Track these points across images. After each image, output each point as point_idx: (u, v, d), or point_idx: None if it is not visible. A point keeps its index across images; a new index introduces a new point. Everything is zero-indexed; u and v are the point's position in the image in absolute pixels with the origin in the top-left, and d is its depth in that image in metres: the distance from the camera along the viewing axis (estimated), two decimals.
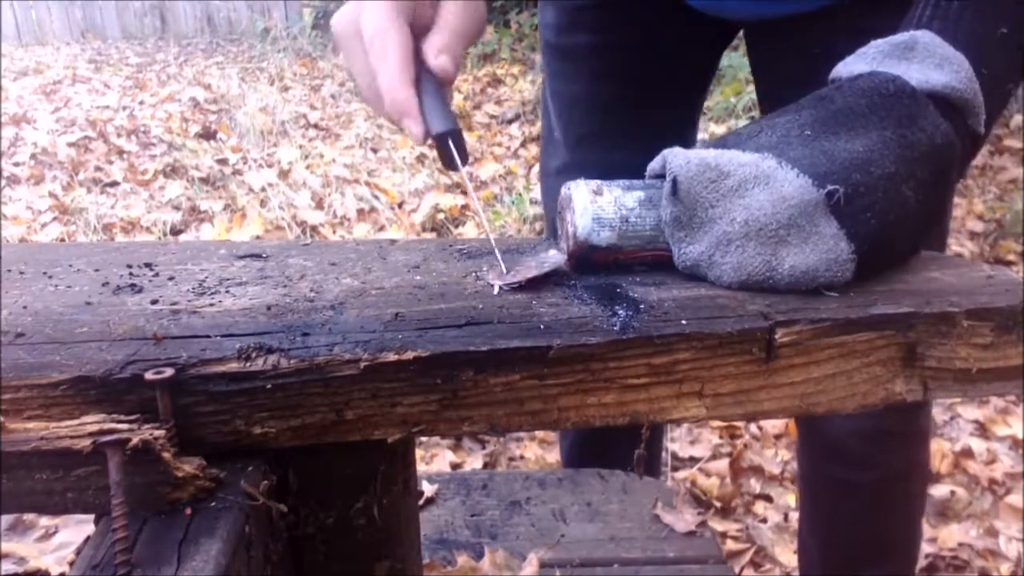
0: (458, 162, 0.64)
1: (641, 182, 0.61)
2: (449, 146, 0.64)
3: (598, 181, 0.60)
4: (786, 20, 0.91)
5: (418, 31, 0.66)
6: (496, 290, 0.57)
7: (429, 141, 0.64)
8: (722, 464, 1.95)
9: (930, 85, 0.60)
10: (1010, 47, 0.63)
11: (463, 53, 0.68)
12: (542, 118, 1.19)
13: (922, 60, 0.61)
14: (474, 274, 0.61)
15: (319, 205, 3.34)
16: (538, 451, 2.00)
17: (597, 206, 0.59)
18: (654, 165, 0.61)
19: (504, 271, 0.58)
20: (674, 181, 0.57)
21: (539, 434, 2.03)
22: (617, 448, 1.24)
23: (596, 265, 0.60)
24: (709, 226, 0.56)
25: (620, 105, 1.06)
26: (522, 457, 2.00)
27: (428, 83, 0.64)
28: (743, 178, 0.56)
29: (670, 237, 0.59)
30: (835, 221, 0.55)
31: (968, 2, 0.62)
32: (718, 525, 1.76)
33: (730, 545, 1.70)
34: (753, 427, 2.11)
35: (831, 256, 0.55)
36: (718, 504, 1.83)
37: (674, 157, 0.58)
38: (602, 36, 1.04)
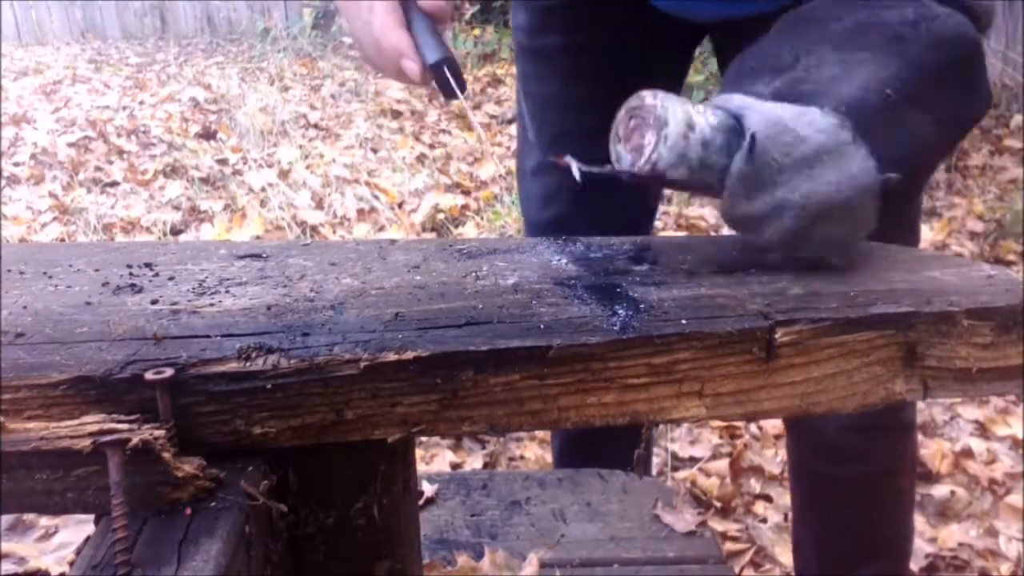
0: (456, 90, 0.68)
1: (725, 118, 0.58)
2: (445, 74, 0.68)
3: (689, 109, 0.57)
4: (748, 21, 0.91)
5: None
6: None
7: (432, 85, 0.70)
8: (722, 464, 1.95)
9: None
10: None
11: None
12: (517, 119, 1.20)
13: None
14: (474, 274, 0.61)
15: (319, 205, 3.34)
16: (538, 451, 1.99)
17: (687, 143, 0.56)
18: (727, 106, 0.58)
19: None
20: (752, 141, 0.55)
21: (539, 434, 2.03)
22: (608, 448, 1.24)
23: (647, 185, 0.60)
24: (771, 189, 0.56)
25: (592, 105, 1.07)
26: (522, 457, 2.00)
27: (421, 22, 0.70)
28: (817, 148, 0.55)
29: (730, 187, 0.57)
30: (875, 204, 0.56)
31: None
32: (718, 525, 1.76)
33: (730, 545, 1.70)
34: (753, 427, 2.11)
35: (860, 233, 0.57)
36: (718, 504, 1.83)
37: (753, 113, 0.56)
38: (572, 37, 1.05)
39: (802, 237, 0.56)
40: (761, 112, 0.56)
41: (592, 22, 1.03)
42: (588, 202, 1.01)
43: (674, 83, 1.14)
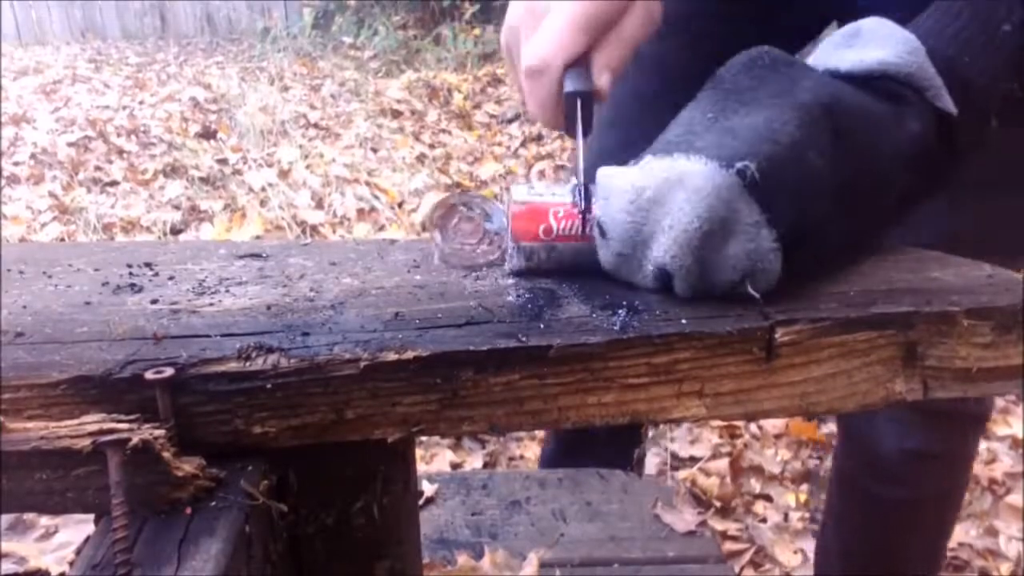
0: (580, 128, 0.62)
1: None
2: (576, 105, 0.61)
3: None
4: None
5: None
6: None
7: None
8: (722, 464, 1.95)
9: (864, 64, 0.59)
10: (997, 47, 0.61)
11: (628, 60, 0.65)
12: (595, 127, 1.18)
13: (863, 44, 0.61)
14: (474, 274, 0.61)
15: (319, 205, 3.34)
16: (538, 451, 1.99)
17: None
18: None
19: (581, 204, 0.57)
20: (599, 225, 0.55)
21: (539, 434, 2.03)
22: (601, 449, 1.22)
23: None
24: (648, 245, 0.54)
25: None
26: (522, 457, 2.00)
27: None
28: (659, 185, 0.53)
29: (620, 276, 0.57)
30: (756, 206, 0.52)
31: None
32: (718, 525, 1.76)
33: (730, 545, 1.70)
34: (753, 427, 2.11)
35: (752, 246, 0.51)
36: (718, 504, 1.83)
37: (601, 202, 0.56)
38: (693, 49, 1.01)
39: (699, 272, 0.54)
40: (602, 189, 0.57)
41: (717, 35, 0.99)
42: None
43: None
